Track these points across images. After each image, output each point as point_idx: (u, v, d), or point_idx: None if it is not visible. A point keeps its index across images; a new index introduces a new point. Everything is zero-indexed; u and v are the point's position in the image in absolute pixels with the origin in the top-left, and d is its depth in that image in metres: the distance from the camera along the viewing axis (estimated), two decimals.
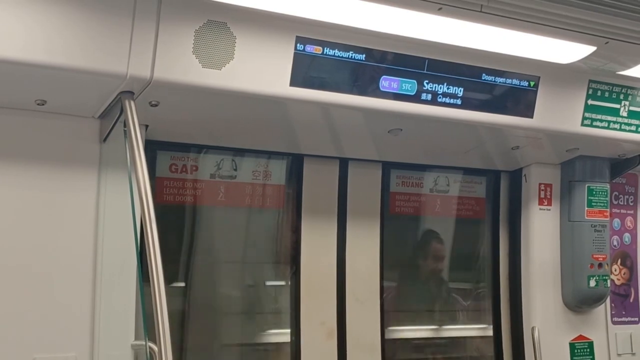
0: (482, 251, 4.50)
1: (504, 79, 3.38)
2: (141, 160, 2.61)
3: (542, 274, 4.22)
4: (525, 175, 4.30)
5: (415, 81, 3.19)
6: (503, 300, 4.38)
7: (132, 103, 2.77)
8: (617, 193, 4.54)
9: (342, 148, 3.84)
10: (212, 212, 3.82)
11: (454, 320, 4.45)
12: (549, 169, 4.28)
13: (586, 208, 4.18)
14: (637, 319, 4.57)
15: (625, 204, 4.60)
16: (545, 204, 4.26)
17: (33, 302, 2.91)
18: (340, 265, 3.91)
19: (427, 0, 2.75)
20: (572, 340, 4.25)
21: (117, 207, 3.04)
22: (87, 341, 2.99)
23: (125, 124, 2.75)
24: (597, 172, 4.23)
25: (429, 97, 3.23)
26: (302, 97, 3.00)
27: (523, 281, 4.27)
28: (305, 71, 2.96)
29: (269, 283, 4.02)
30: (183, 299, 3.73)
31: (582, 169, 4.21)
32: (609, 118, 3.72)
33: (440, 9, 2.79)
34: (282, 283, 3.98)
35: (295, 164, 3.91)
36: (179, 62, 2.73)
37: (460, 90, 3.29)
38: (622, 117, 3.76)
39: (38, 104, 2.92)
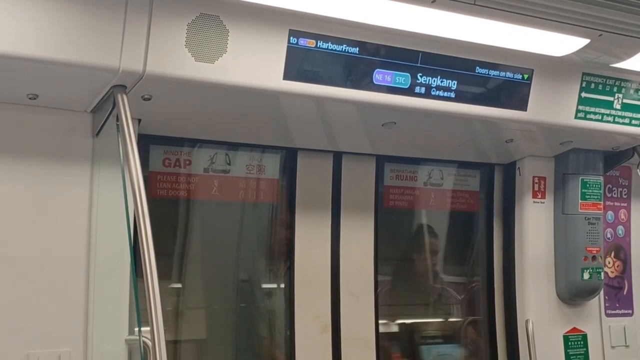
0: (476, 244, 4.51)
1: (498, 72, 3.38)
2: (134, 154, 2.60)
3: (536, 266, 4.23)
4: (519, 168, 4.31)
5: (409, 74, 3.18)
6: (497, 293, 4.39)
7: (125, 97, 2.75)
8: (610, 186, 4.55)
9: (336, 142, 3.84)
10: (206, 206, 3.81)
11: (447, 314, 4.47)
12: (543, 161, 4.29)
13: (580, 201, 4.19)
14: (630, 311, 4.58)
15: (619, 196, 4.61)
16: (539, 196, 4.27)
17: (26, 297, 2.90)
18: (335, 259, 3.91)
19: None
20: (566, 332, 4.26)
21: (110, 202, 3.02)
22: (81, 336, 2.98)
23: (118, 118, 2.73)
24: (590, 165, 4.23)
25: (423, 90, 3.23)
26: (296, 90, 2.99)
27: (517, 274, 4.28)
28: (299, 65, 2.95)
29: (262, 278, 4.02)
30: (177, 295, 3.72)
31: (576, 162, 4.21)
32: (603, 111, 3.73)
33: (433, 1, 2.78)
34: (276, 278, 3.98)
35: (289, 157, 3.90)
36: (172, 55, 2.72)
37: (454, 84, 3.28)
38: (615, 109, 3.76)
39: (30, 98, 2.90)
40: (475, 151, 4.21)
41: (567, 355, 4.23)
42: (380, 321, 4.02)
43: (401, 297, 4.37)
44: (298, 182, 3.87)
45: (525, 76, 3.45)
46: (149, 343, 2.46)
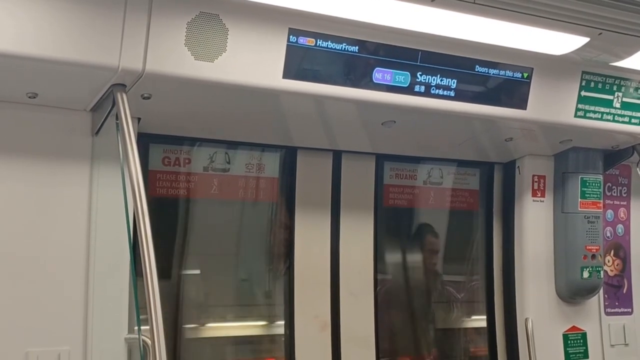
0: (476, 243, 4.51)
1: (498, 71, 3.38)
2: (133, 153, 2.60)
3: (535, 265, 4.23)
4: (518, 167, 4.31)
5: (408, 73, 3.18)
6: (497, 292, 4.39)
7: (124, 96, 2.75)
8: (610, 184, 4.55)
9: (335, 140, 3.84)
10: (205, 205, 3.81)
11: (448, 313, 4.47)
12: (543, 160, 4.29)
13: (579, 199, 4.19)
14: (630, 310, 4.58)
15: (619, 195, 4.61)
16: (539, 195, 4.27)
17: (26, 296, 2.90)
18: (334, 258, 3.90)
19: None
20: (566, 331, 4.26)
21: (109, 201, 3.02)
22: (81, 335, 2.98)
23: (118, 117, 2.73)
24: (590, 164, 4.23)
25: (423, 89, 3.23)
26: (295, 89, 2.99)
27: (517, 273, 4.28)
28: (298, 63, 2.95)
29: (262, 276, 4.02)
30: (176, 293, 3.72)
31: (576, 161, 4.21)
32: (602, 109, 3.73)
33: (433, 0, 2.78)
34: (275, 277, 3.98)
35: (289, 156, 3.90)
36: (171, 54, 2.72)
37: (454, 82, 3.28)
38: (615, 108, 3.76)
39: (29, 97, 2.90)
40: (474, 150, 4.21)
41: (566, 354, 4.23)
42: None
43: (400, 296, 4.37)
44: (298, 181, 3.87)
45: (525, 75, 3.45)
46: (149, 342, 2.45)
